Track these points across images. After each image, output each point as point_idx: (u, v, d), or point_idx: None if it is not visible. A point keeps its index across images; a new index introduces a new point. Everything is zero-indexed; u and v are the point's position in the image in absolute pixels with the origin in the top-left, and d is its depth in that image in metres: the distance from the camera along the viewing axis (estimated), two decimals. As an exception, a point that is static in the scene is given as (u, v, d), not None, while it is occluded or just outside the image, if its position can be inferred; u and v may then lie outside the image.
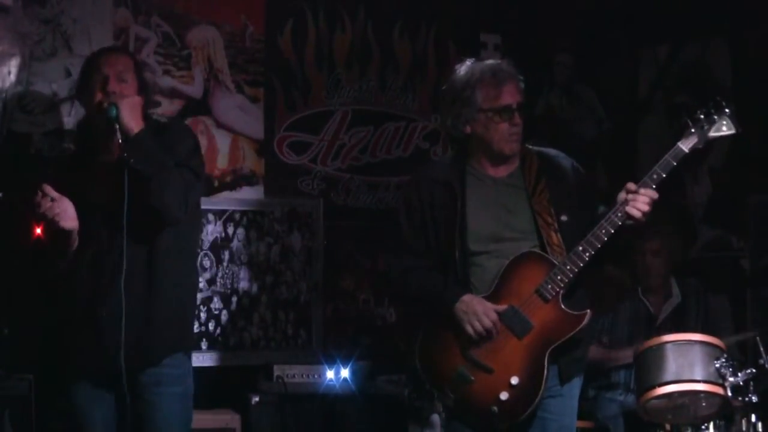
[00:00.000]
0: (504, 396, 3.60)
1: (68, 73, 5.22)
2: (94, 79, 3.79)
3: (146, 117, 3.84)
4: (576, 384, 3.78)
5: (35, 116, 5.13)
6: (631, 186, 3.57)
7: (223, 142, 5.67)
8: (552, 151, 3.84)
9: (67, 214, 3.65)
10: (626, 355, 5.14)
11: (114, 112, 3.67)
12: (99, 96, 3.76)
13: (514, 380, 3.60)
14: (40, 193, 3.64)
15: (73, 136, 4.04)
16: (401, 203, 3.89)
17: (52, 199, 3.63)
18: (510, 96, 3.69)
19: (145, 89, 3.89)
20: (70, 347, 3.80)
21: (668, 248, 5.41)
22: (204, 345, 5.53)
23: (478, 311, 3.60)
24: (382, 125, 6.15)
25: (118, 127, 3.66)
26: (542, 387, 3.59)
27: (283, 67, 5.89)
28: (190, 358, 3.92)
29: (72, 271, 3.77)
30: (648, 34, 6.48)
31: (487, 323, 3.59)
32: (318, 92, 5.99)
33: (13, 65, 5.10)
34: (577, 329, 3.61)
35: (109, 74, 3.77)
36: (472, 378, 3.64)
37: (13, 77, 5.09)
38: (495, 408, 3.60)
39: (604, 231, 3.56)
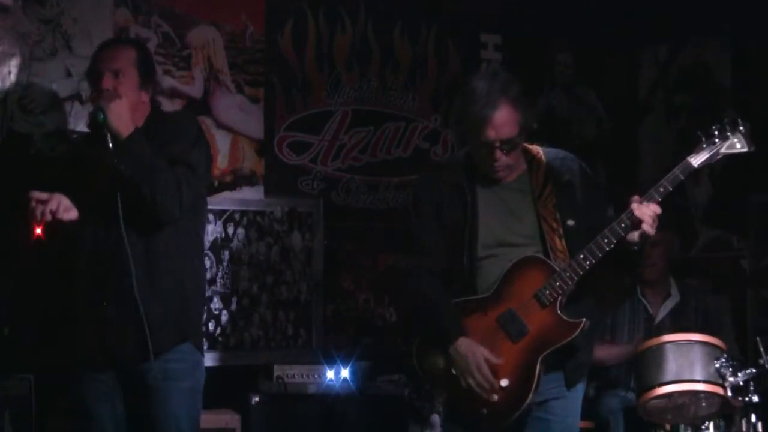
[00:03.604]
0: (493, 398, 3.60)
1: (68, 73, 5.22)
2: (90, 75, 3.77)
3: (153, 108, 3.80)
4: (579, 387, 3.78)
5: (35, 116, 5.12)
6: (636, 199, 3.53)
7: (223, 142, 5.67)
8: (560, 153, 3.79)
9: (62, 206, 3.63)
10: (621, 352, 5.15)
11: (101, 116, 3.60)
12: (92, 95, 3.72)
13: (504, 382, 3.58)
14: (32, 201, 3.62)
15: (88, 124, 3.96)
16: (411, 202, 3.85)
17: (44, 201, 3.60)
18: (494, 132, 3.56)
19: (150, 80, 3.82)
20: (73, 343, 3.77)
21: (666, 240, 5.40)
22: (204, 345, 5.52)
23: (470, 368, 3.56)
24: (382, 125, 6.15)
25: (106, 131, 3.59)
26: (532, 391, 3.57)
27: (283, 67, 5.89)
28: (198, 351, 3.88)
29: (71, 266, 3.76)
30: (648, 34, 6.48)
31: (481, 381, 3.56)
32: (318, 92, 5.99)
33: (13, 65, 5.10)
34: (571, 337, 3.58)
35: (103, 70, 3.71)
36: None
37: (13, 77, 5.09)
38: (484, 410, 3.59)
39: (606, 240, 3.53)
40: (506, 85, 3.59)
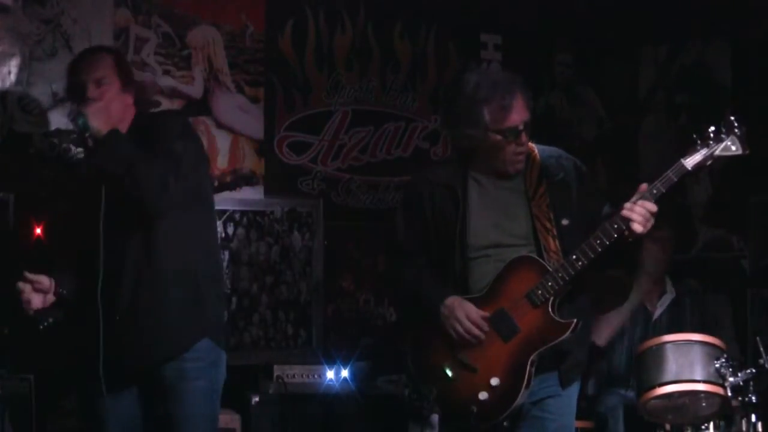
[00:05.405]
0: (483, 396, 3.59)
1: (68, 73, 5.23)
2: (74, 88, 3.73)
3: (139, 111, 3.80)
4: (575, 385, 3.78)
5: (35, 116, 5.13)
6: (627, 206, 3.51)
7: (223, 142, 5.67)
8: (554, 152, 3.79)
9: (31, 299, 3.71)
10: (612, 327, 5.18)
11: (81, 120, 3.59)
12: (79, 106, 3.66)
13: (494, 381, 3.58)
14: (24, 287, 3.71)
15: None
16: (400, 204, 3.89)
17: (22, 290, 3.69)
18: (517, 115, 3.60)
19: (131, 82, 3.80)
20: (85, 348, 3.71)
21: (665, 237, 5.39)
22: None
23: (459, 315, 3.60)
24: (382, 125, 6.15)
25: (88, 134, 3.59)
26: (522, 390, 3.58)
27: (283, 67, 5.89)
28: (218, 347, 3.78)
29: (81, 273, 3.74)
30: (648, 34, 6.48)
31: (468, 326, 3.59)
32: (318, 92, 5.99)
33: (13, 65, 5.10)
34: (562, 338, 3.58)
35: (86, 81, 3.70)
36: (456, 376, 3.63)
37: (13, 77, 5.09)
38: (474, 408, 3.59)
39: (598, 242, 3.52)
40: (505, 73, 3.74)
